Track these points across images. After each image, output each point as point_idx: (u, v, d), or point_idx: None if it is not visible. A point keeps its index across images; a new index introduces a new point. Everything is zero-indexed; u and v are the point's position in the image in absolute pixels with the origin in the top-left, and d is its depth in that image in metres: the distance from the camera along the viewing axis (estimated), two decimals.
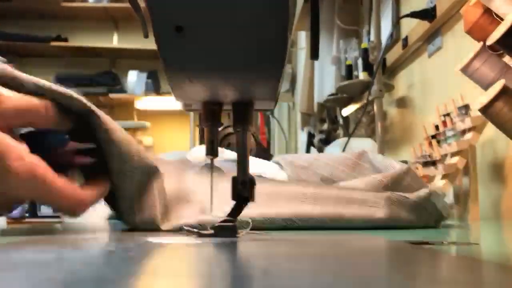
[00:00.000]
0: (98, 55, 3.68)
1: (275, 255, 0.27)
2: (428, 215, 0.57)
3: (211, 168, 0.40)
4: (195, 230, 0.37)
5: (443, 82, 1.33)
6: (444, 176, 0.93)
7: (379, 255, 0.30)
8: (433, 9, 1.32)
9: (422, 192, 0.57)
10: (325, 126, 2.28)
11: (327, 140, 2.22)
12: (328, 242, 0.37)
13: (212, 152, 0.38)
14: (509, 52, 0.52)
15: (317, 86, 2.24)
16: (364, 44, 1.73)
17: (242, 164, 0.38)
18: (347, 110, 1.99)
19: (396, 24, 1.64)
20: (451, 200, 0.99)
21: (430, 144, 1.03)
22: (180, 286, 0.17)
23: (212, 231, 0.36)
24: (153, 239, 0.35)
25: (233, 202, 0.37)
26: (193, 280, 0.18)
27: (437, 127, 1.03)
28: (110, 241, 0.37)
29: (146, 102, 3.67)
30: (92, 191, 0.44)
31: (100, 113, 0.45)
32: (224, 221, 0.36)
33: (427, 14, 1.33)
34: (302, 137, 2.81)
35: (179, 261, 0.25)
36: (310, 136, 2.41)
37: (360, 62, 1.76)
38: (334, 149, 1.74)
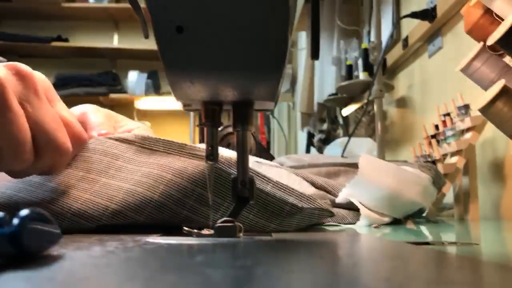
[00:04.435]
0: (98, 56, 3.68)
1: (274, 255, 0.27)
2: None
3: (210, 172, 0.40)
4: (195, 230, 0.37)
5: (443, 82, 1.33)
6: (443, 176, 0.93)
7: (379, 255, 0.30)
8: (434, 9, 1.31)
9: None
10: (325, 126, 2.28)
11: (327, 139, 2.22)
12: (326, 242, 0.37)
13: (212, 157, 0.38)
14: (510, 52, 0.52)
15: (317, 86, 2.24)
16: (365, 45, 1.73)
17: (241, 164, 0.38)
18: (347, 110, 1.99)
19: (397, 24, 1.64)
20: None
21: (430, 144, 1.03)
22: (179, 286, 0.17)
23: (212, 232, 0.36)
24: (153, 239, 0.35)
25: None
26: (192, 280, 0.18)
27: (437, 127, 1.03)
28: (110, 241, 0.37)
29: (147, 102, 3.67)
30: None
31: None
32: (224, 221, 0.36)
33: (427, 15, 1.33)
34: (302, 137, 2.81)
35: (178, 261, 0.25)
36: (310, 136, 2.41)
37: (360, 62, 1.76)
38: (333, 149, 1.74)
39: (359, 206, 0.66)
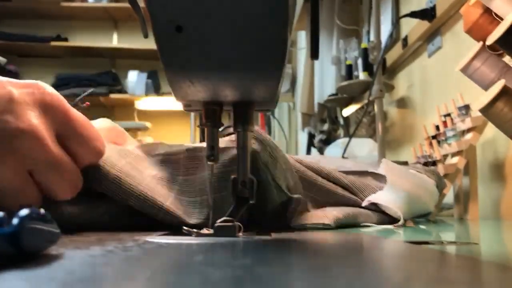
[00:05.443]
0: (98, 55, 3.68)
1: (274, 255, 0.27)
2: None
3: (211, 172, 0.40)
4: (195, 230, 0.37)
5: (443, 82, 1.33)
6: (444, 176, 0.93)
7: (379, 254, 0.30)
8: (433, 9, 1.31)
9: None
10: (326, 127, 2.28)
11: (328, 140, 2.22)
12: (327, 242, 0.37)
13: (212, 157, 0.38)
14: (509, 52, 0.52)
15: (317, 86, 2.24)
16: (364, 44, 1.73)
17: (242, 164, 0.38)
18: (348, 111, 1.99)
19: (396, 24, 1.64)
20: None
21: (431, 144, 1.03)
22: (179, 286, 0.17)
23: (211, 231, 0.36)
24: (152, 239, 0.35)
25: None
26: (192, 280, 0.18)
27: (437, 127, 1.03)
28: (109, 240, 0.37)
29: (147, 103, 3.67)
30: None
31: None
32: (224, 221, 0.36)
33: (427, 14, 1.33)
34: (302, 138, 2.81)
35: (177, 261, 0.25)
36: (311, 137, 2.41)
37: (360, 62, 1.76)
38: (334, 149, 1.74)
39: (390, 208, 0.67)
